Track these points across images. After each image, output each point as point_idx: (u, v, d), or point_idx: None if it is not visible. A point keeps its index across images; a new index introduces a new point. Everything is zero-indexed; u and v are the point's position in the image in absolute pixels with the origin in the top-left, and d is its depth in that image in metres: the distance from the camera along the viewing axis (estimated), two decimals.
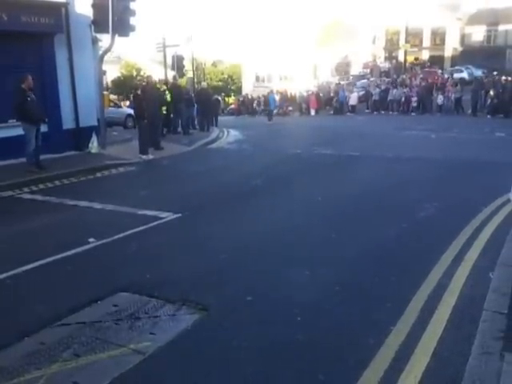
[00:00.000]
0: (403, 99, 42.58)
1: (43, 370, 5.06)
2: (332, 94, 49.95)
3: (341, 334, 5.72)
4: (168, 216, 10.74)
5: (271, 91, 42.88)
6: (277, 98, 51.98)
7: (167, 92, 24.55)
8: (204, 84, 37.42)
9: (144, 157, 18.99)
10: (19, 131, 15.46)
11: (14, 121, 15.89)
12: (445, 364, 5.03)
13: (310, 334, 5.68)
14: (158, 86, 22.46)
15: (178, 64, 33.21)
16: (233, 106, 60.04)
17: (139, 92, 20.25)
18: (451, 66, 61.79)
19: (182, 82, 38.77)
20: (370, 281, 7.11)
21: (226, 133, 29.47)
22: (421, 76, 50.35)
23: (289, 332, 5.74)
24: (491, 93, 36.61)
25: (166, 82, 24.44)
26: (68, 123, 19.43)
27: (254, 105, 53.89)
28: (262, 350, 5.40)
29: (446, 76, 49.66)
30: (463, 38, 70.32)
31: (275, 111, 49.19)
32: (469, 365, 4.89)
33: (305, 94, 51.49)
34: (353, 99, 46.43)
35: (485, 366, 4.85)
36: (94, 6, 18.58)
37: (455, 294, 6.52)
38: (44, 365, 5.16)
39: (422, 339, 5.48)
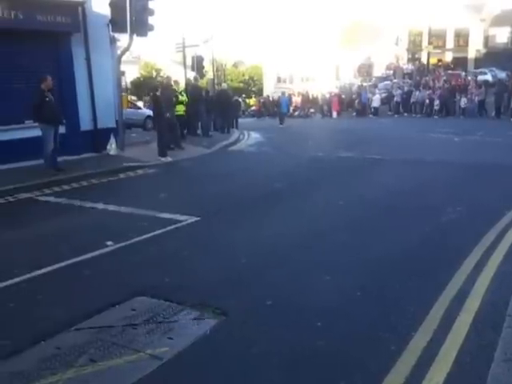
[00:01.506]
0: (427, 101, 42.44)
1: (59, 375, 5.00)
2: (354, 96, 49.89)
3: (362, 339, 5.64)
4: (187, 219, 10.66)
5: (283, 93, 42.46)
6: (298, 99, 52.03)
7: (182, 92, 24.49)
8: (224, 85, 37.34)
9: (163, 159, 18.98)
10: (36, 132, 15.47)
11: (31, 122, 15.89)
12: (467, 371, 4.94)
13: (330, 340, 5.60)
14: (174, 87, 22.41)
15: (197, 65, 33.17)
16: (254, 108, 59.94)
17: (158, 93, 20.22)
18: (475, 68, 61.33)
19: (202, 83, 38.77)
20: (391, 286, 7.02)
21: (246, 135, 29.42)
22: (444, 78, 50.08)
23: (309, 337, 5.67)
24: None
25: (176, 81, 24.24)
26: (86, 125, 19.42)
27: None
28: (282, 356, 5.32)
29: (469, 78, 49.34)
30: (487, 39, 69.82)
31: (296, 113, 49.23)
32: (491, 372, 4.82)
33: (327, 95, 51.39)
34: (375, 101, 46.35)
35: (508, 373, 4.79)
36: (111, 4, 18.52)
37: (478, 300, 6.41)
38: (60, 370, 5.09)
39: (444, 345, 5.38)
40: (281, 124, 38.57)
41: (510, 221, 9.85)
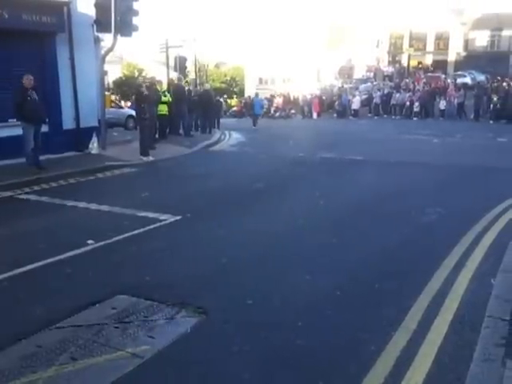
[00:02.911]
0: (407, 103, 42.67)
1: (39, 374, 4.99)
2: (335, 98, 50.03)
3: (341, 339, 5.67)
4: (168, 218, 10.66)
5: (256, 94, 41.90)
6: (279, 100, 52.01)
7: (165, 92, 24.47)
8: (207, 85, 37.13)
9: (145, 158, 18.89)
10: (19, 131, 15.35)
11: (14, 120, 15.79)
12: (446, 371, 4.99)
13: (310, 340, 5.63)
14: (157, 87, 22.44)
15: (180, 65, 33.12)
16: (235, 109, 59.84)
17: (143, 89, 19.96)
18: (454, 71, 61.68)
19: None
20: (370, 286, 7.05)
21: (227, 135, 29.34)
22: (424, 80, 50.36)
23: (289, 337, 5.69)
24: (494, 98, 36.65)
25: (157, 81, 24.28)
26: (68, 123, 19.27)
27: None
28: (262, 355, 5.34)
29: (448, 81, 49.63)
30: (467, 42, 70.25)
31: (277, 114, 49.19)
32: (470, 372, 4.87)
33: (308, 96, 51.45)
34: (355, 103, 46.51)
35: (486, 373, 4.84)
36: (96, 5, 18.40)
37: (456, 301, 6.47)
38: (40, 368, 5.08)
39: (423, 346, 5.43)
40: (254, 126, 37.87)
41: (489, 222, 9.94)
